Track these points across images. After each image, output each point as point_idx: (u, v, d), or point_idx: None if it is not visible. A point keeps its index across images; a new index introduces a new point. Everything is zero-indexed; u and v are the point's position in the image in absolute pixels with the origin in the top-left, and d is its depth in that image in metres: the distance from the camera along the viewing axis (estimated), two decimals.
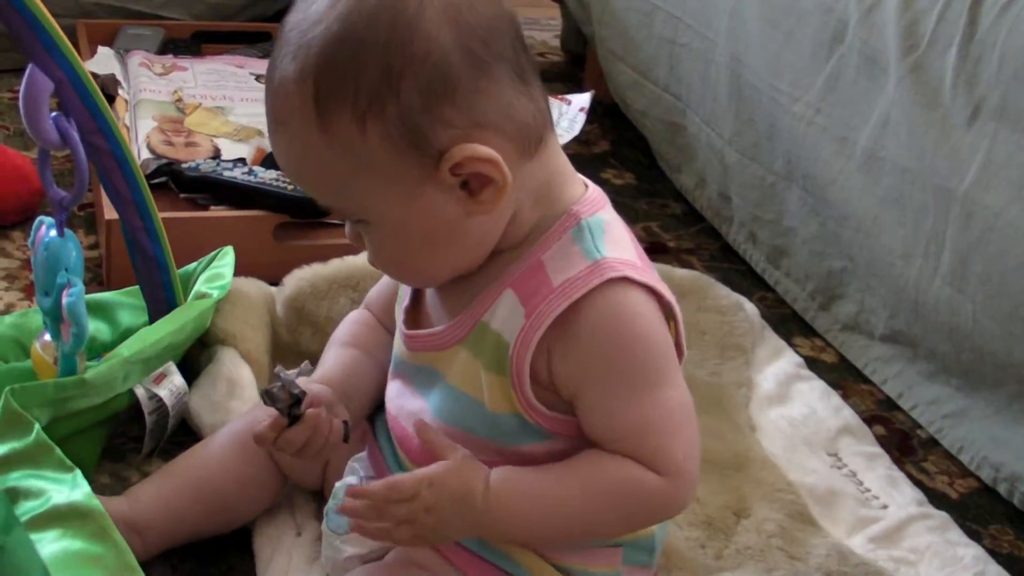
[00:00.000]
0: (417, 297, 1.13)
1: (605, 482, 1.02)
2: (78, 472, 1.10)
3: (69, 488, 1.08)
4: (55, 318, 1.27)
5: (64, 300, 1.25)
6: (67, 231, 1.29)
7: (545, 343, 1.00)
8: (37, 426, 1.13)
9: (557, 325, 0.99)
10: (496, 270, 1.04)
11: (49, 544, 1.03)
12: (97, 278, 1.68)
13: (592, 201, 1.05)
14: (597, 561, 1.10)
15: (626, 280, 1.00)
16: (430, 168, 0.97)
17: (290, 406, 1.08)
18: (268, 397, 1.08)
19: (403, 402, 1.12)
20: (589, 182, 1.09)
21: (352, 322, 1.26)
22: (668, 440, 1.01)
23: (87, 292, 1.37)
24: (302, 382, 1.12)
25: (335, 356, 1.21)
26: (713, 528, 1.30)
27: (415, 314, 1.13)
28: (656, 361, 1.02)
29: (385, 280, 1.24)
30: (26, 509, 1.07)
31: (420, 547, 1.08)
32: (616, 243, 1.03)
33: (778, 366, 1.61)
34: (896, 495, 1.40)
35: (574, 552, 1.09)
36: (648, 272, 1.03)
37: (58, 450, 1.12)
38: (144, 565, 1.08)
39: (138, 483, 1.25)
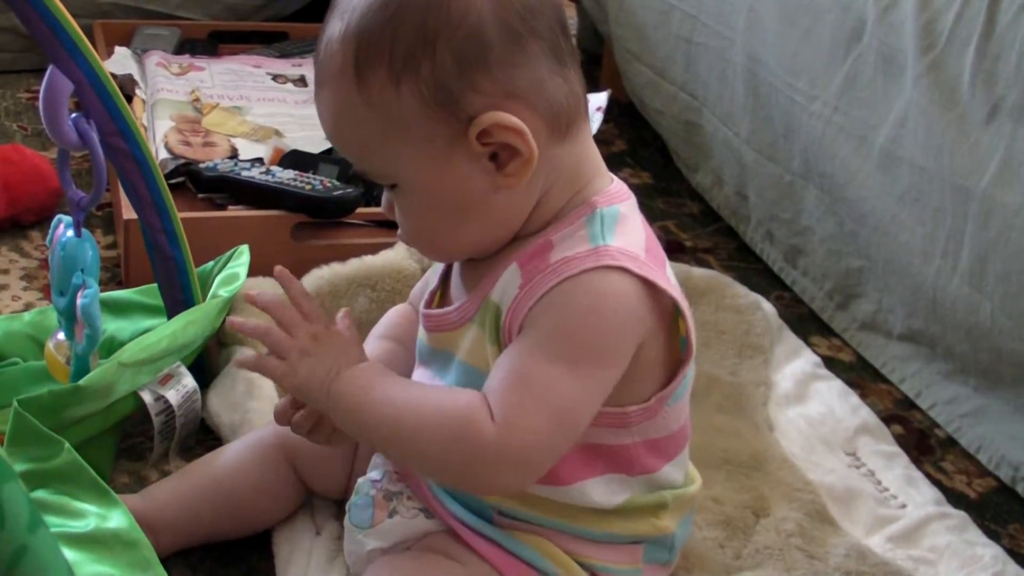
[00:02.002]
0: (445, 282, 1.14)
1: (445, 403, 1.01)
2: (115, 497, 1.11)
3: (110, 514, 1.10)
4: (70, 318, 1.28)
5: (79, 301, 1.26)
6: (84, 231, 1.30)
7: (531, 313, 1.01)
8: (67, 445, 1.13)
9: (543, 297, 1.00)
10: (511, 250, 1.05)
11: (87, 565, 1.05)
12: (115, 278, 1.69)
13: (614, 193, 1.06)
14: (619, 557, 1.11)
15: (622, 271, 1.00)
16: (459, 133, 0.99)
17: None
18: None
19: None
20: (615, 177, 1.09)
21: (392, 315, 1.28)
22: (525, 404, 0.98)
23: (104, 291, 1.43)
24: None
25: (370, 349, 1.23)
26: (732, 528, 1.30)
27: (443, 297, 1.14)
28: (589, 349, 1.00)
29: (426, 276, 1.24)
30: (59, 524, 1.08)
31: (273, 374, 1.09)
32: (626, 235, 1.03)
33: (796, 365, 1.60)
34: (914, 494, 1.40)
35: (596, 547, 1.10)
36: (654, 268, 1.02)
37: (91, 471, 1.12)
38: (162, 564, 1.09)
39: (155, 483, 1.25)
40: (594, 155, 1.08)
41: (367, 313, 1.49)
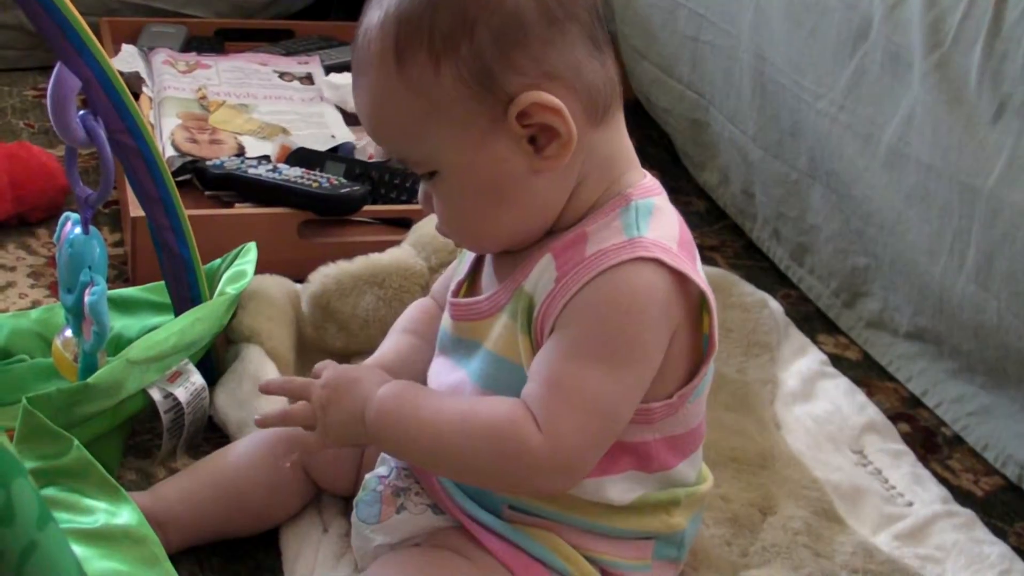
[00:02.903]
0: (475, 272, 1.14)
1: (484, 415, 1.01)
2: (125, 494, 1.11)
3: (120, 511, 1.10)
4: (77, 315, 1.28)
5: (86, 298, 1.25)
6: (92, 229, 1.30)
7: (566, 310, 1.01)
8: (76, 442, 1.13)
9: (578, 293, 1.01)
10: (547, 242, 1.06)
11: (97, 560, 1.05)
12: (122, 275, 1.68)
13: (648, 187, 1.07)
14: (628, 553, 1.11)
15: (656, 262, 1.00)
16: (499, 114, 1.00)
17: None
18: None
19: (442, 378, 1.14)
20: (648, 173, 1.10)
21: (414, 309, 1.28)
22: (568, 411, 0.99)
23: (112, 289, 1.41)
24: None
25: (390, 342, 1.24)
26: (739, 525, 1.30)
27: (470, 288, 1.15)
28: (624, 347, 1.01)
29: (450, 269, 1.25)
30: (68, 520, 1.08)
31: (304, 424, 1.10)
32: (660, 227, 1.03)
33: (803, 363, 1.60)
34: (921, 493, 1.40)
35: (606, 543, 1.10)
36: (686, 261, 1.03)
37: (101, 468, 1.13)
38: (170, 560, 1.09)
39: (163, 480, 1.25)
40: (628, 146, 1.09)
41: (374, 311, 1.50)
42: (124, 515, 1.11)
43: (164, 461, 1.34)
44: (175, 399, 1.31)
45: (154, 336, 1.29)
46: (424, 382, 1.18)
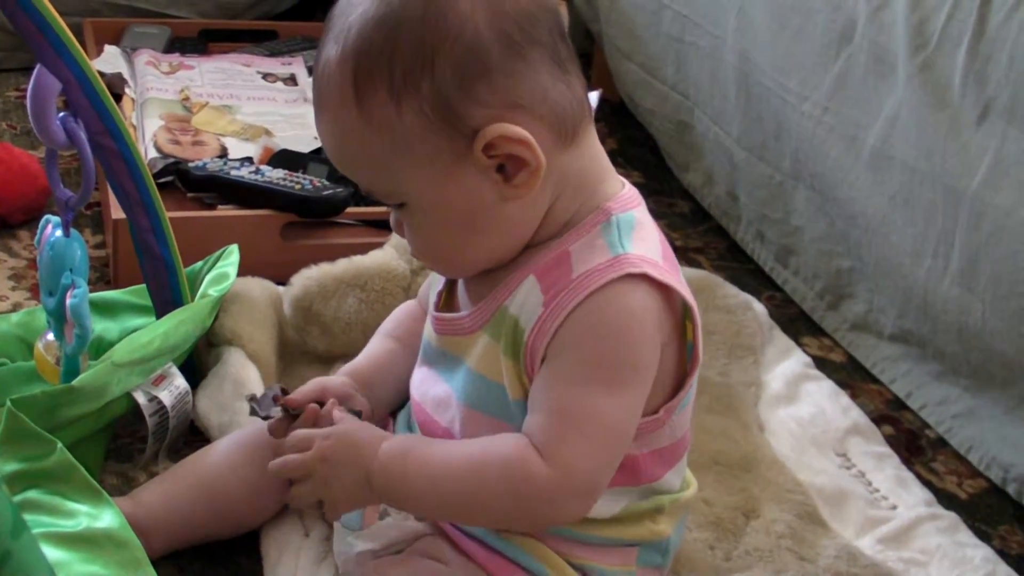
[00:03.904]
0: (452, 283, 1.14)
1: (492, 457, 1.01)
2: (107, 498, 1.10)
3: (102, 514, 1.09)
4: (59, 318, 1.27)
5: (68, 301, 1.24)
6: (73, 232, 1.29)
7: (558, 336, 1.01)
8: (59, 445, 1.13)
9: (569, 317, 1.00)
10: (525, 259, 1.05)
11: (80, 564, 1.04)
12: (104, 277, 1.68)
13: (626, 199, 1.06)
14: (612, 560, 1.10)
15: (644, 278, 1.00)
16: (464, 148, 0.99)
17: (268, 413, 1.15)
18: (253, 409, 1.16)
19: (427, 388, 1.13)
20: (626, 182, 1.09)
21: (400, 312, 1.28)
22: (575, 437, 0.99)
23: (94, 291, 1.40)
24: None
25: (370, 347, 1.24)
26: (722, 529, 1.30)
27: (449, 298, 1.14)
28: (623, 367, 1.00)
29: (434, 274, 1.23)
30: (49, 523, 1.08)
31: (316, 502, 1.08)
32: (643, 241, 1.03)
33: (787, 366, 1.60)
34: (905, 495, 1.39)
35: (591, 550, 1.09)
36: (671, 273, 1.03)
37: (84, 471, 1.12)
38: (152, 565, 1.08)
39: (144, 484, 1.24)
40: (602, 159, 1.08)
41: (356, 314, 1.49)
42: (106, 518, 1.10)
43: (146, 465, 1.33)
44: (160, 403, 1.30)
45: (138, 339, 1.28)
46: (399, 385, 1.18)
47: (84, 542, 1.07)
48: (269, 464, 1.09)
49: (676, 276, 1.04)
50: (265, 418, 1.15)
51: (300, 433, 1.09)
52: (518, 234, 1.04)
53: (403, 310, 1.28)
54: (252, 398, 1.16)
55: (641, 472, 1.09)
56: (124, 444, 1.36)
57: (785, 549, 1.27)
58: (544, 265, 1.03)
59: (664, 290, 1.01)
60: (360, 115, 0.99)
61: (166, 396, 1.31)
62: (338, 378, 1.19)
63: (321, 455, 1.06)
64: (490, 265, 1.06)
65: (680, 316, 1.04)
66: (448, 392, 1.10)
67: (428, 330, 1.14)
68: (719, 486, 1.35)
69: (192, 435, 1.36)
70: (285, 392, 1.16)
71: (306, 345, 1.50)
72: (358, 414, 1.14)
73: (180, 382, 1.33)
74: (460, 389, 1.08)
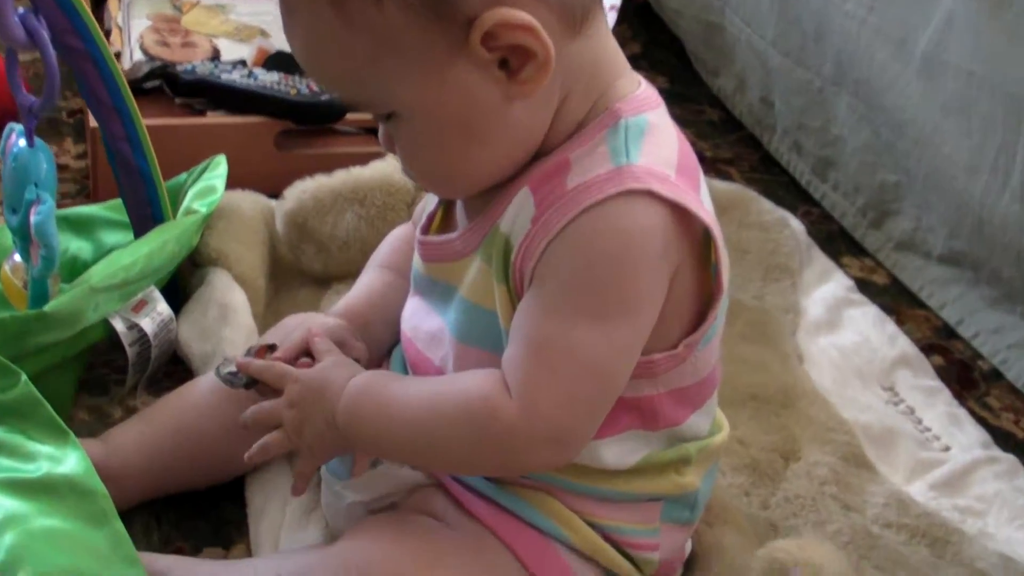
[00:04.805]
0: (449, 204, 1.02)
1: (455, 393, 0.91)
2: (73, 439, 1.02)
3: (65, 457, 1.01)
4: (24, 237, 1.18)
5: (32, 218, 1.16)
6: (38, 141, 1.18)
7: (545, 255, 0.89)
8: (24, 377, 1.04)
9: (558, 236, 0.87)
10: (525, 170, 0.92)
11: (37, 518, 0.95)
12: (85, 191, 1.58)
13: (641, 100, 0.92)
14: (633, 516, 0.99)
15: (649, 195, 0.87)
16: (459, 40, 0.85)
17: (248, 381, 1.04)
18: (227, 380, 1.04)
19: (419, 321, 1.02)
20: (644, 81, 0.96)
21: (393, 240, 1.16)
22: (545, 375, 0.87)
23: (72, 206, 1.34)
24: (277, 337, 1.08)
25: (364, 282, 1.13)
26: (759, 473, 1.19)
27: (446, 219, 1.02)
28: (614, 298, 0.88)
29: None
30: (10, 467, 1.00)
31: (292, 448, 0.99)
32: (655, 150, 0.89)
33: (827, 289, 1.50)
34: (959, 435, 1.29)
35: (608, 507, 0.98)
36: (685, 190, 0.89)
37: (49, 408, 1.03)
38: (123, 515, 0.99)
39: (117, 426, 1.14)
40: (615, 52, 0.94)
41: (355, 231, 1.39)
42: (69, 462, 1.00)
43: (123, 400, 1.24)
44: (140, 331, 1.21)
45: (118, 260, 1.20)
46: (399, 322, 1.06)
47: (43, 491, 0.98)
48: (241, 415, 1.00)
49: (693, 192, 0.91)
50: (243, 385, 1.04)
51: (273, 376, 1.00)
52: (525, 142, 0.91)
53: (398, 235, 1.16)
54: (224, 362, 1.05)
55: (660, 415, 0.97)
56: (99, 375, 1.27)
57: (829, 497, 1.16)
58: (540, 174, 0.90)
59: (676, 209, 0.88)
60: (337, 16, 0.86)
61: (147, 323, 1.22)
62: (328, 320, 1.08)
63: (289, 400, 0.97)
64: (493, 181, 0.93)
65: (700, 237, 0.92)
66: (440, 326, 0.99)
67: (416, 258, 1.03)
68: (755, 424, 1.25)
69: (174, 364, 1.28)
70: (272, 348, 1.05)
71: (300, 265, 1.41)
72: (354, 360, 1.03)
73: (163, 308, 1.24)
74: (453, 322, 0.97)
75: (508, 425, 0.87)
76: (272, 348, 1.04)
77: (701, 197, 0.92)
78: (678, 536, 1.03)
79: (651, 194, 0.86)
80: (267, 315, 1.31)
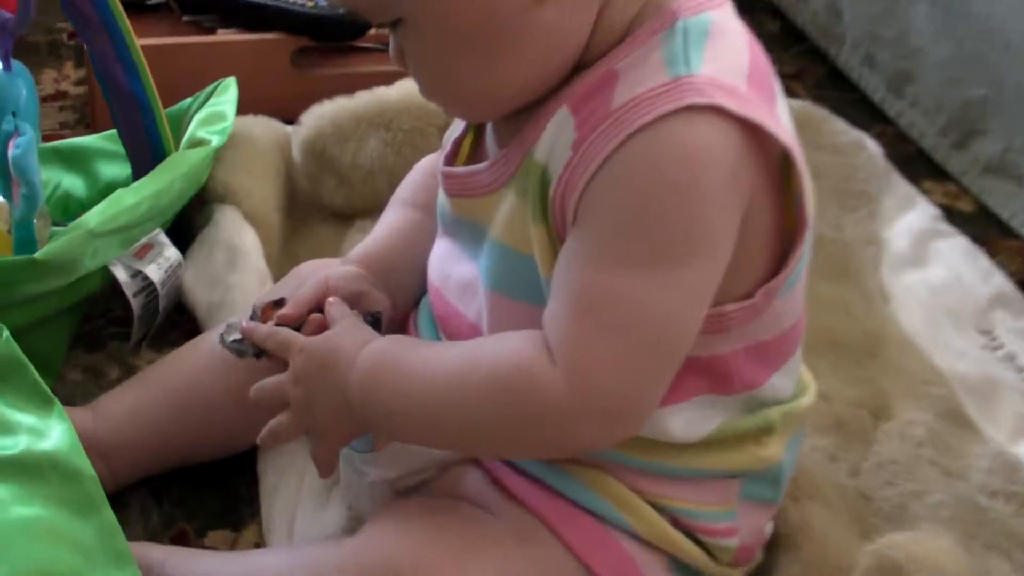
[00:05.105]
0: (480, 128, 0.89)
1: (488, 362, 0.78)
2: (59, 408, 0.91)
3: (48, 430, 0.90)
4: (3, 175, 1.11)
5: (10, 152, 1.07)
6: (16, 64, 1.11)
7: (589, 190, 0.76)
8: (6, 333, 0.94)
9: (604, 165, 0.75)
10: (565, 87, 0.79)
11: (13, 505, 0.84)
12: (85, 120, 1.50)
13: None
14: (707, 496, 0.85)
15: (715, 111, 0.73)
16: None
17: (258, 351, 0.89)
18: (233, 349, 0.90)
19: (448, 268, 0.89)
20: None
21: (419, 173, 1.03)
22: (598, 335, 0.75)
23: (72, 136, 1.30)
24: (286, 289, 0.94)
25: (386, 221, 1.01)
26: (845, 433, 1.05)
27: (476, 147, 0.89)
28: (676, 239, 0.74)
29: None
30: None
31: (303, 432, 0.86)
32: (721, 56, 0.76)
33: (911, 219, 1.37)
34: None
35: (676, 485, 0.85)
36: (758, 104, 0.75)
37: (32, 370, 0.92)
38: (117, 494, 0.93)
39: (108, 392, 1.03)
40: None
41: (380, 159, 1.29)
42: (53, 436, 0.89)
43: (124, 357, 1.14)
44: (145, 279, 1.12)
45: (121, 200, 1.10)
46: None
47: (22, 472, 0.86)
48: (254, 388, 0.87)
49: (769, 107, 0.77)
50: (252, 355, 0.90)
51: (276, 344, 0.86)
52: (559, 51, 0.77)
53: (426, 166, 1.03)
54: (228, 328, 0.91)
55: (735, 376, 0.83)
56: (95, 329, 1.17)
57: (927, 462, 1.03)
58: (582, 91, 0.78)
59: (749, 128, 0.74)
60: None
61: (154, 270, 1.12)
62: (346, 269, 0.94)
63: (294, 375, 0.84)
64: (524, 100, 0.80)
65: (778, 161, 0.78)
66: (473, 273, 0.86)
67: (440, 193, 0.90)
68: (838, 376, 1.11)
69: (178, 314, 1.17)
70: (280, 304, 0.91)
71: (320, 199, 1.32)
72: (376, 317, 0.90)
73: (171, 252, 1.15)
74: (486, 269, 0.84)
75: (552, 398, 0.74)
76: (280, 304, 0.90)
77: (778, 113, 0.78)
78: (759, 517, 0.89)
79: (717, 110, 0.73)
80: (282, 258, 1.22)
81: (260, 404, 0.86)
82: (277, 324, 0.88)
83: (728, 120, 0.73)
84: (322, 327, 0.86)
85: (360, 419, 0.81)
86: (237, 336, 0.89)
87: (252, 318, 0.89)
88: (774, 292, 0.79)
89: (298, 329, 0.87)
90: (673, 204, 0.73)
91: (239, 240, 1.16)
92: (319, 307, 0.88)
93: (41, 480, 0.86)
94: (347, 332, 0.84)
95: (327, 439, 0.83)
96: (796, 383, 0.88)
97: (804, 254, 0.81)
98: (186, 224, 1.22)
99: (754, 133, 0.74)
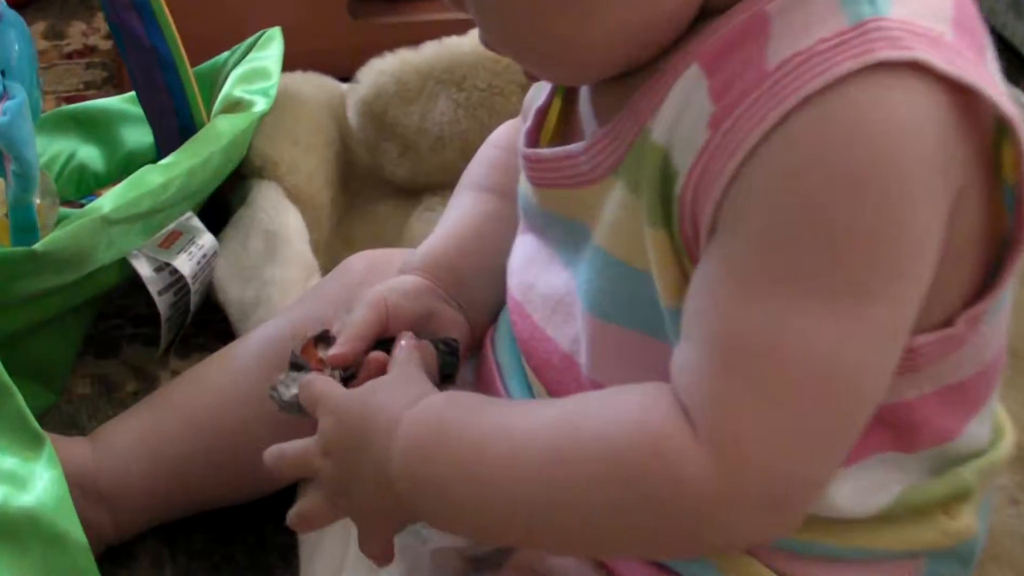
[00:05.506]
0: (568, 97, 0.72)
1: (602, 432, 0.59)
2: (50, 448, 0.79)
3: (32, 479, 0.77)
4: None
5: None
6: (9, 13, 1.00)
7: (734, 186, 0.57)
8: None
9: (757, 149, 0.56)
10: (687, 40, 0.61)
11: None
12: (113, 79, 1.41)
13: None
14: None
15: (914, 69, 0.54)
16: None
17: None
18: (286, 406, 0.71)
19: (533, 275, 0.72)
20: None
21: (494, 147, 0.89)
22: (755, 396, 0.56)
23: (96, 98, 1.20)
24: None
25: (454, 214, 0.85)
26: None
27: (564, 120, 0.72)
28: (864, 258, 0.55)
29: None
30: None
31: (338, 518, 0.69)
32: None
33: None
34: None
35: (841, 568, 0.66)
36: (969, 54, 0.56)
37: (19, 399, 0.79)
38: (122, 546, 0.85)
39: (113, 420, 0.89)
40: None
41: (452, 124, 1.17)
42: (38, 487, 0.77)
43: (142, 365, 1.01)
44: (174, 272, 0.99)
45: (146, 180, 0.97)
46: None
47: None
48: (271, 457, 0.70)
49: (979, 61, 0.57)
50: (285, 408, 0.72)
51: (306, 398, 0.68)
52: None
53: (503, 139, 0.85)
54: (285, 378, 0.72)
55: (922, 429, 0.64)
56: (109, 329, 1.04)
57: None
58: (719, 44, 0.58)
59: (957, 91, 0.55)
60: None
61: (183, 262, 0.99)
62: (408, 282, 0.77)
63: (323, 444, 0.66)
64: (631, 54, 0.62)
65: (990, 137, 0.58)
66: (568, 285, 0.68)
67: (522, 179, 0.73)
68: (1015, 392, 0.92)
69: (212, 312, 1.02)
70: (325, 340, 0.73)
71: (381, 171, 1.20)
72: (453, 347, 0.73)
73: (205, 239, 1.02)
74: (584, 285, 0.66)
75: (695, 483, 0.55)
76: (326, 339, 0.73)
77: (991, 71, 0.58)
78: None
79: (919, 67, 0.53)
80: (334, 241, 1.11)
81: (285, 479, 0.71)
82: (328, 367, 0.70)
83: (933, 80, 0.53)
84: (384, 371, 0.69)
85: (408, 505, 0.64)
86: (295, 392, 0.70)
87: (293, 364, 0.70)
88: (980, 317, 0.59)
89: (353, 376, 0.69)
90: (864, 209, 0.53)
91: (279, 224, 1.03)
92: (378, 336, 0.71)
93: (18, 546, 0.74)
94: (393, 386, 0.66)
95: (373, 531, 0.66)
96: (992, 426, 0.69)
97: (1018, 265, 0.61)
98: (221, 202, 1.08)
99: (964, 100, 0.55)
